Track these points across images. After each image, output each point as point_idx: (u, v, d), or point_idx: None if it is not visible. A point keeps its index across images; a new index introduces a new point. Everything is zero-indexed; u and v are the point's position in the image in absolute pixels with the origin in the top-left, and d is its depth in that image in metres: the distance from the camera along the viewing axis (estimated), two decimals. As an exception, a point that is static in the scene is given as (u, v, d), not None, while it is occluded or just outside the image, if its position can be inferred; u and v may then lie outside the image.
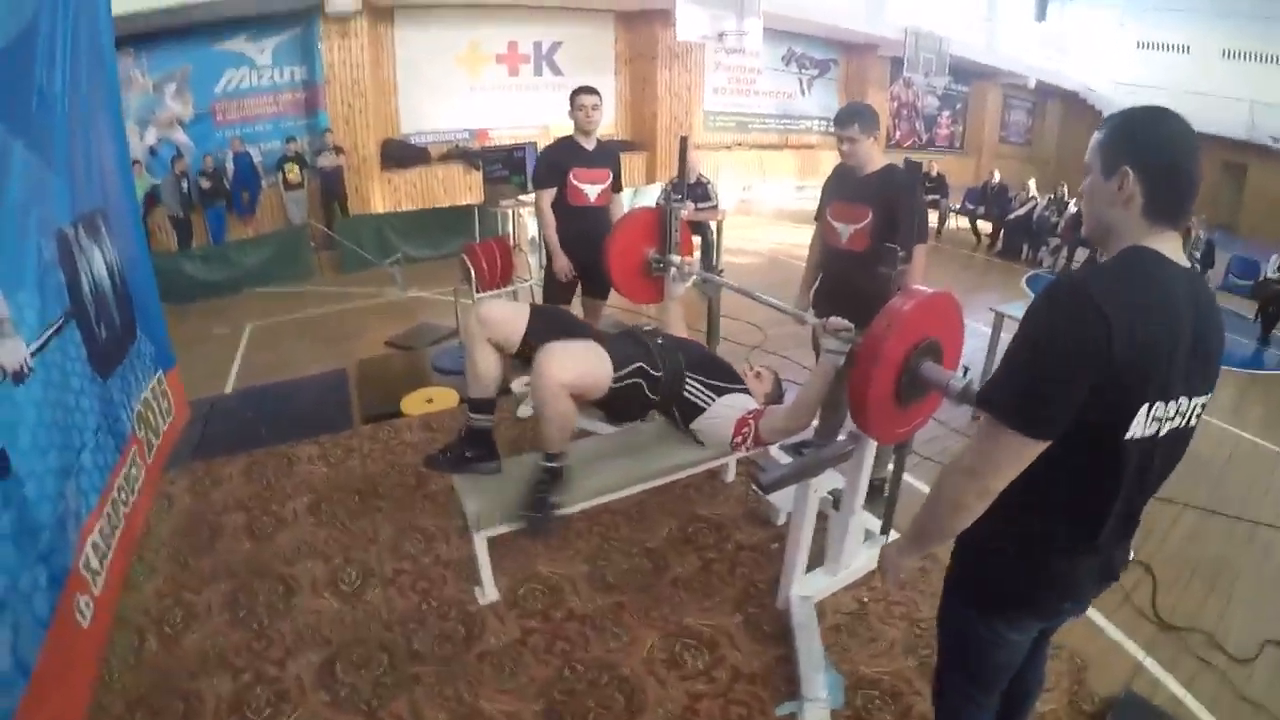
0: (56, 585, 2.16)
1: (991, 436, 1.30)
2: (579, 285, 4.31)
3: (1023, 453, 1.28)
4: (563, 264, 4.14)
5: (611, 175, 4.20)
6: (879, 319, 2.12)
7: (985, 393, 1.32)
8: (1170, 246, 1.28)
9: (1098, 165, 1.31)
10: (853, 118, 3.10)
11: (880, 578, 1.71)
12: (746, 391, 2.94)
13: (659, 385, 2.77)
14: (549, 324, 2.87)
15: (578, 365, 2.55)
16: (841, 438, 2.61)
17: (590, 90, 4.03)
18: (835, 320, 2.49)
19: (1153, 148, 1.26)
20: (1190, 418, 1.34)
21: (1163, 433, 1.31)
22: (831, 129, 3.29)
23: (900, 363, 2.16)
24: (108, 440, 2.70)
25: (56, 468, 2.23)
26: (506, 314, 2.85)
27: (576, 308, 4.36)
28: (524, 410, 4.36)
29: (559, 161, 4.08)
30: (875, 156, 3.17)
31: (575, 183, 4.06)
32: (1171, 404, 1.29)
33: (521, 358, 2.87)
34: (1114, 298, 1.19)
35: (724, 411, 2.79)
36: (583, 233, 4.06)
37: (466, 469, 2.87)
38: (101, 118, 3.17)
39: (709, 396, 2.83)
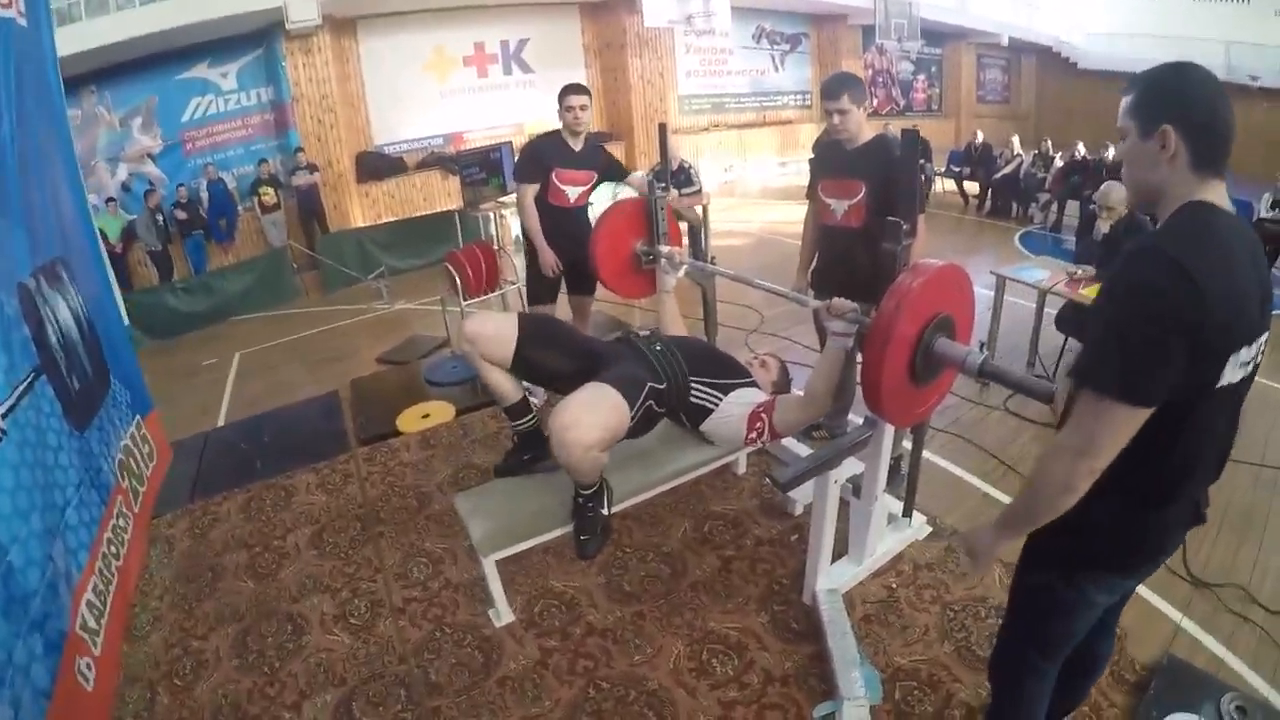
0: (55, 652, 2.07)
1: (1098, 414, 1.27)
2: (563, 282, 4.22)
3: (1131, 425, 1.26)
4: (550, 258, 4.02)
5: (597, 176, 4.11)
6: (888, 298, 2.02)
7: (1087, 371, 1.29)
8: (1219, 195, 1.29)
9: (1135, 127, 1.32)
10: (841, 88, 2.98)
11: (970, 565, 1.66)
12: (753, 384, 2.84)
13: (664, 397, 2.65)
14: (540, 335, 2.77)
15: (597, 423, 2.34)
16: (857, 421, 2.52)
17: (579, 89, 3.90)
18: (839, 302, 2.40)
19: (1189, 101, 1.26)
20: (1258, 354, 1.35)
21: (1244, 376, 1.34)
22: (807, 103, 3.18)
23: (913, 342, 2.07)
24: (91, 494, 2.60)
25: (40, 530, 2.12)
26: (493, 329, 2.72)
27: (562, 305, 4.31)
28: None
29: (544, 157, 3.97)
30: (865, 127, 3.07)
31: (557, 183, 3.95)
32: (1251, 347, 1.30)
33: (517, 371, 2.78)
34: (1195, 256, 1.18)
35: (733, 410, 2.68)
36: (563, 232, 3.99)
37: (532, 470, 2.89)
38: (54, 161, 3.05)
39: (716, 397, 2.72)
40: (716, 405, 2.71)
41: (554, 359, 2.75)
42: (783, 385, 3.02)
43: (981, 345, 2.13)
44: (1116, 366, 1.23)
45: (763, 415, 2.60)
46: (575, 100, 3.85)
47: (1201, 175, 1.28)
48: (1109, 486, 1.34)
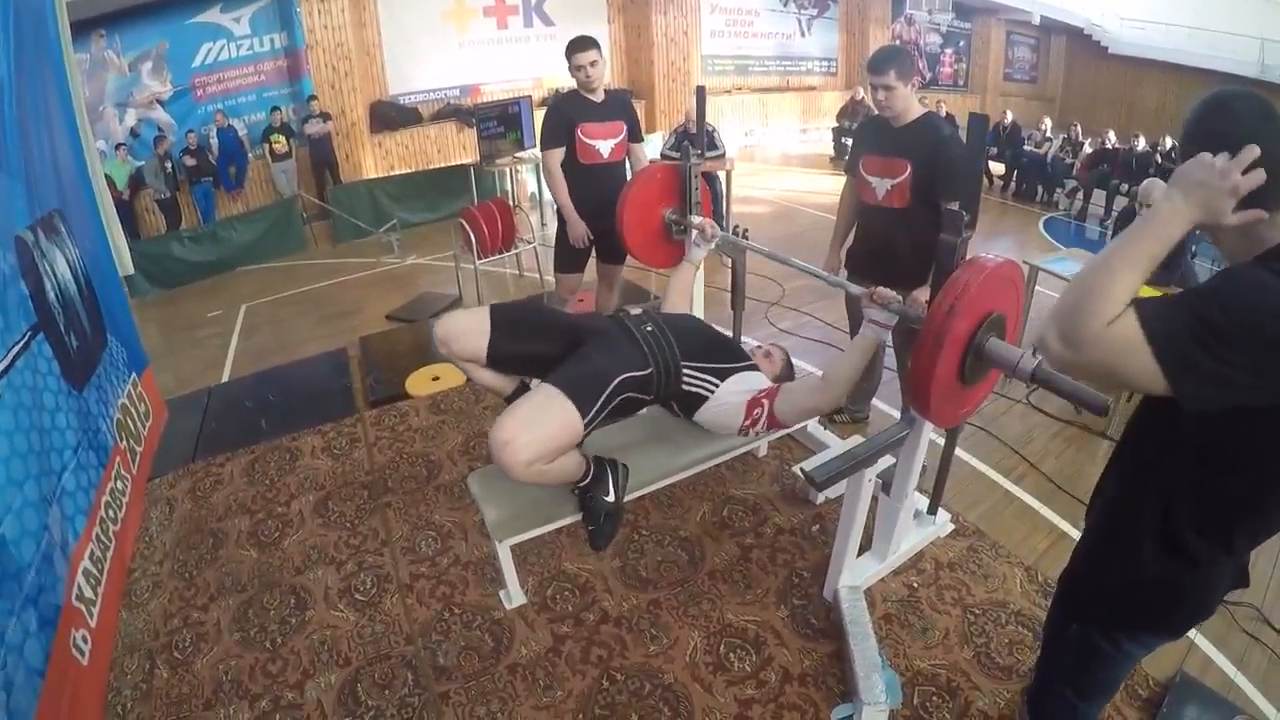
0: (49, 627, 1.98)
1: (1127, 348, 1.05)
2: (593, 250, 4.04)
3: (1142, 384, 1.06)
4: (580, 230, 3.83)
5: (627, 126, 3.87)
6: (944, 295, 1.89)
7: (1158, 326, 1.05)
8: None
9: None
10: (888, 62, 2.81)
11: None
12: (753, 368, 2.64)
13: (649, 384, 2.43)
14: (514, 326, 2.54)
15: (536, 438, 2.10)
16: (882, 407, 2.40)
17: (587, 44, 3.60)
18: (884, 291, 2.27)
19: (1234, 138, 1.09)
20: None
21: None
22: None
23: (966, 342, 1.95)
24: (89, 456, 2.50)
25: (36, 498, 2.02)
26: (462, 328, 2.49)
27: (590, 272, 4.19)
28: None
29: (564, 116, 3.74)
30: (912, 105, 2.91)
31: (585, 139, 3.73)
32: None
33: (497, 366, 2.57)
34: None
35: (730, 397, 2.50)
36: (596, 194, 3.75)
37: None
38: (53, 109, 2.91)
39: (711, 383, 2.53)
40: (712, 393, 2.53)
41: (532, 347, 2.54)
42: (786, 378, 2.82)
43: (1034, 349, 1.99)
44: (1189, 347, 1.02)
45: (763, 401, 2.44)
46: (583, 58, 3.58)
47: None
48: (1165, 543, 1.24)
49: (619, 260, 4.08)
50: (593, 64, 3.61)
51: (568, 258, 4.02)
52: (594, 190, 3.77)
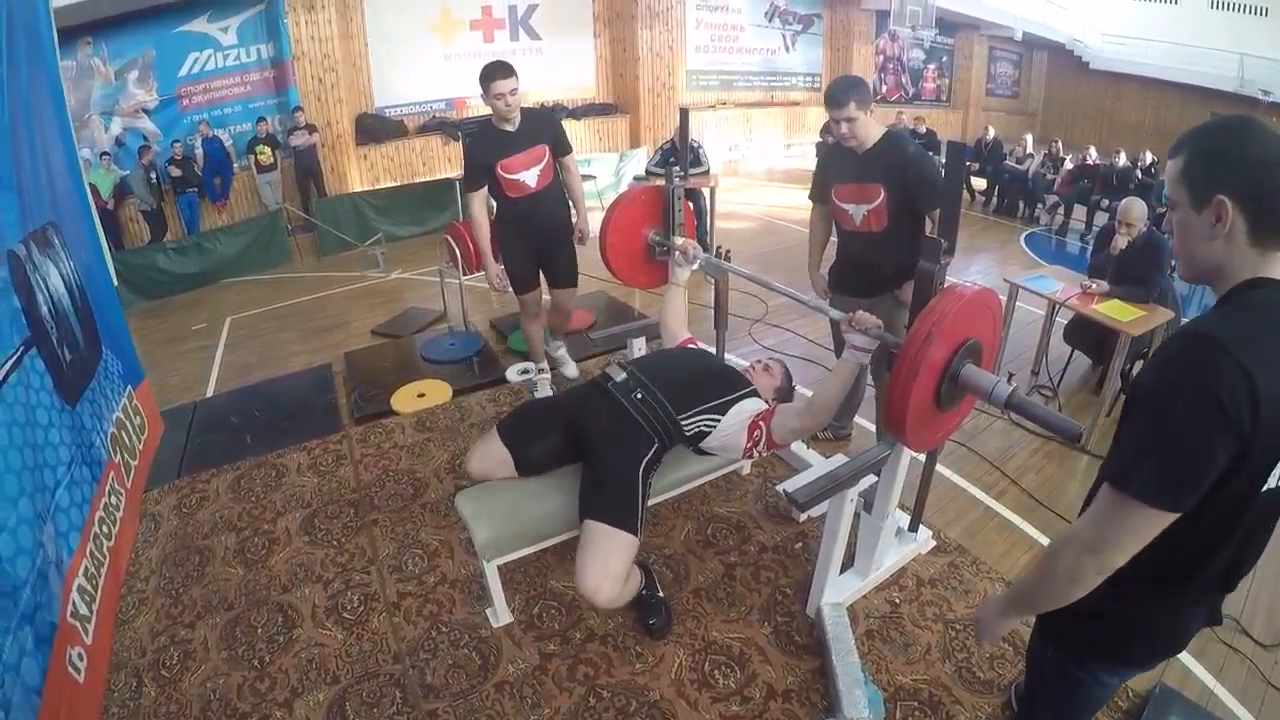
0: (45, 644, 1.97)
1: (1122, 514, 1.14)
2: (539, 272, 4.02)
3: (1153, 528, 1.14)
4: (493, 273, 3.83)
5: (551, 143, 3.72)
6: (920, 323, 1.95)
7: (1119, 473, 1.15)
8: None
9: (1185, 198, 1.15)
10: (846, 94, 2.80)
11: (976, 637, 1.55)
12: (753, 393, 2.66)
13: (660, 451, 2.53)
14: (524, 439, 2.64)
15: (614, 573, 2.29)
16: (864, 424, 2.45)
17: (508, 71, 3.44)
18: (863, 316, 2.31)
19: (1247, 167, 1.08)
20: None
21: None
22: (816, 85, 3.04)
23: (942, 369, 2.00)
24: (83, 471, 2.48)
25: (30, 516, 2.02)
26: (491, 464, 2.65)
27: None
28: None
29: (480, 159, 3.64)
30: (874, 129, 2.94)
31: (506, 175, 3.62)
32: None
33: (527, 473, 2.66)
34: (1252, 348, 1.04)
35: (732, 424, 2.54)
36: (533, 223, 3.75)
37: None
38: (47, 121, 2.89)
39: (713, 420, 2.55)
40: (714, 427, 2.55)
41: (544, 445, 2.63)
42: (786, 391, 2.86)
43: (1010, 376, 2.04)
44: (1157, 470, 1.10)
45: (761, 424, 2.49)
46: (503, 86, 3.41)
47: (1265, 249, 1.11)
48: (1132, 580, 1.24)
49: (567, 284, 4.06)
50: (512, 92, 3.46)
51: (518, 280, 3.95)
52: (530, 220, 3.76)
